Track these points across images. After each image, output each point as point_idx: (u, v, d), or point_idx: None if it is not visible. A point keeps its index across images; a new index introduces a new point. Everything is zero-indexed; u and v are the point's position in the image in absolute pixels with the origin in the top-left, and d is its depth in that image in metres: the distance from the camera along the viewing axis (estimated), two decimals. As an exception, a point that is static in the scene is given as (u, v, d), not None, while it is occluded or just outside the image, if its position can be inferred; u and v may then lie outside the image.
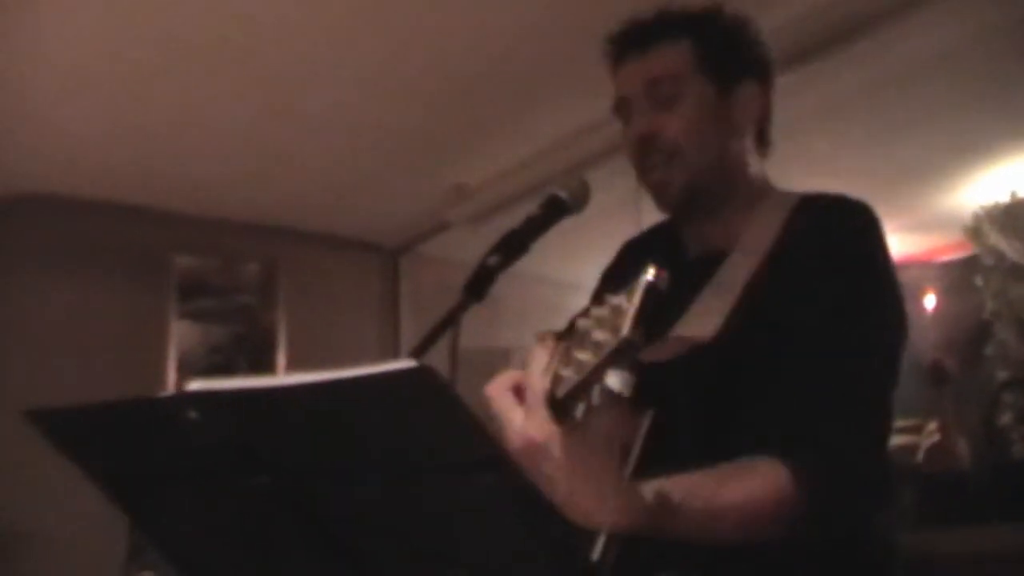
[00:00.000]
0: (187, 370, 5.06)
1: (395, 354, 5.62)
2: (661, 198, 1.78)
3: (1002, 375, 5.04)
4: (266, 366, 5.33)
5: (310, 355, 5.26)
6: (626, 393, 1.15)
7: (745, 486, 1.39)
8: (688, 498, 1.31)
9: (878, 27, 3.51)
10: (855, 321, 1.56)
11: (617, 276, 1.95)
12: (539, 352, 1.23)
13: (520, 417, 1.20)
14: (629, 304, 1.14)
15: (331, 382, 0.90)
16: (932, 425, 4.51)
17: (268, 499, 1.06)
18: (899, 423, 4.38)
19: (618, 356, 1.13)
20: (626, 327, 1.12)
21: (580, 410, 1.17)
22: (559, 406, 1.19)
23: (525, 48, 3.83)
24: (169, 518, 1.24)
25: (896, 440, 4.31)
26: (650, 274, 1.15)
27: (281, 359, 5.40)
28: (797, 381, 1.51)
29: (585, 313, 1.20)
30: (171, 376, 5.03)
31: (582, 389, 1.17)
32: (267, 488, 1.04)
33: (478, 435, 0.93)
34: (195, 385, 0.98)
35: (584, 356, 1.16)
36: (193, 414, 1.00)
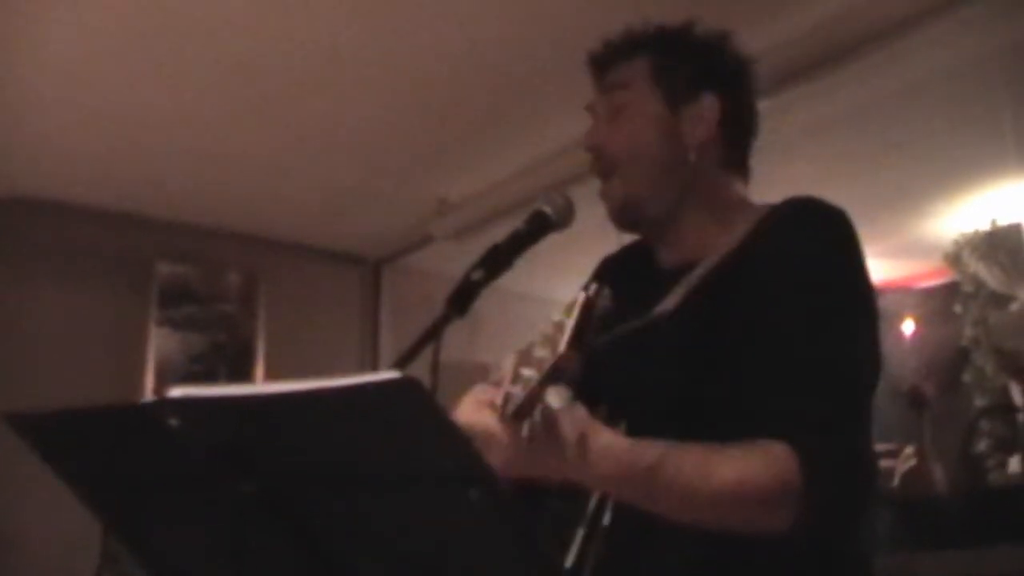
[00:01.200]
0: (165, 378, 5.03)
1: (374, 366, 5.61)
2: (609, 210, 1.79)
3: (979, 402, 5.06)
4: (245, 375, 5.31)
5: (289, 365, 5.24)
6: (564, 407, 1.18)
7: (742, 458, 1.37)
8: (673, 452, 1.34)
9: (861, 54, 3.52)
10: (832, 313, 1.53)
11: None
12: (504, 367, 1.29)
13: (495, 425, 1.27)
14: (568, 321, 1.15)
15: (315, 391, 0.90)
16: (909, 450, 4.52)
17: (249, 508, 1.05)
18: (876, 447, 4.39)
19: (555, 373, 1.16)
20: (562, 344, 1.14)
21: (525, 428, 1.20)
22: (509, 422, 1.24)
23: (510, 64, 3.84)
24: (147, 526, 1.23)
25: (873, 464, 4.32)
26: (590, 289, 1.17)
27: (260, 369, 5.38)
28: (781, 372, 1.48)
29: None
30: (149, 383, 5.00)
31: (527, 407, 1.19)
32: (248, 497, 1.04)
33: (461, 448, 0.93)
34: (176, 392, 0.98)
35: (529, 373, 1.20)
36: (174, 421, 0.99)
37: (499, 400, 1.24)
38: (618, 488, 1.35)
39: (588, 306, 1.17)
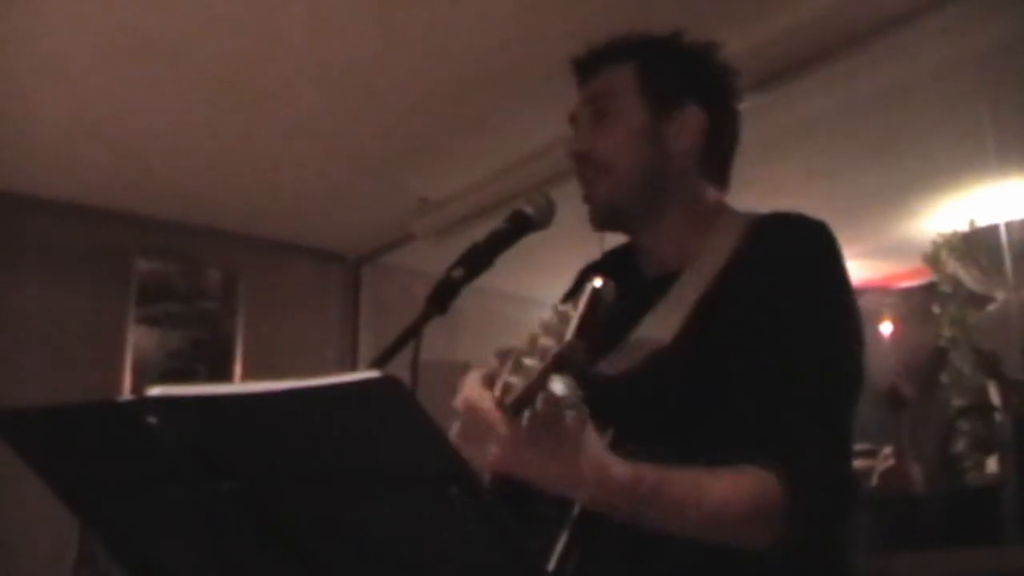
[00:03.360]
0: (144, 375, 5.02)
1: (354, 364, 5.60)
2: (590, 212, 1.79)
3: (957, 402, 5.07)
4: (224, 373, 5.30)
5: (269, 363, 5.24)
6: (570, 397, 1.16)
7: (729, 480, 1.39)
8: (667, 478, 1.33)
9: (842, 56, 3.54)
10: (818, 328, 1.56)
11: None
12: (472, 376, 1.27)
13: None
14: (575, 310, 1.16)
15: (295, 390, 0.90)
16: (887, 450, 4.53)
17: (228, 507, 1.05)
18: (855, 447, 4.41)
19: (561, 361, 1.15)
20: (570, 332, 1.14)
21: (525, 418, 1.19)
22: (507, 413, 1.20)
23: (492, 64, 3.84)
24: (125, 523, 1.23)
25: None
26: (596, 282, 1.17)
27: (239, 366, 5.37)
28: (767, 388, 1.50)
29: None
30: (127, 380, 4.99)
31: (528, 395, 1.18)
32: (227, 496, 1.04)
33: (441, 447, 0.93)
34: (156, 390, 0.97)
35: (531, 362, 1.18)
36: (152, 419, 0.99)
37: (497, 391, 1.22)
38: (606, 503, 1.34)
39: (595, 298, 1.17)
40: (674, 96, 1.77)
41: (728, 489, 1.39)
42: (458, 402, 1.29)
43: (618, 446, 1.37)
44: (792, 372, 1.50)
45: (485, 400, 1.22)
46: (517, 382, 1.19)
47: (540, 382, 1.16)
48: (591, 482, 1.27)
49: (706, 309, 1.59)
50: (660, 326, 1.61)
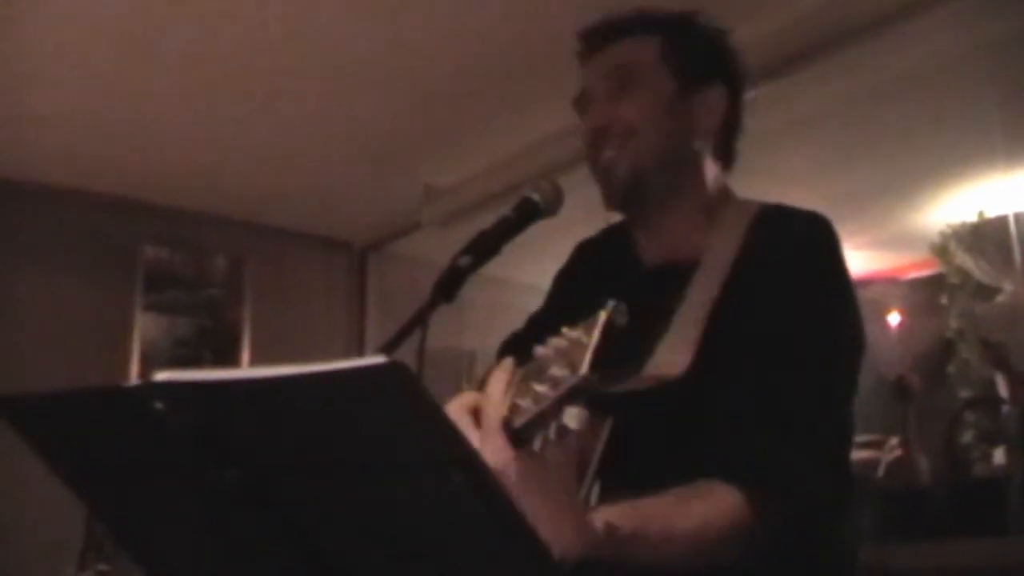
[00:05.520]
0: (151, 362, 5.02)
1: (360, 352, 5.60)
2: (608, 184, 1.75)
3: (964, 394, 5.07)
4: (230, 360, 5.30)
5: (274, 351, 5.25)
6: (581, 429, 1.15)
7: (700, 512, 1.38)
8: (642, 526, 1.31)
9: (849, 45, 3.53)
10: (812, 340, 1.55)
11: (570, 278, 1.95)
12: (498, 377, 1.23)
13: (476, 440, 1.20)
14: (588, 340, 1.14)
15: (301, 376, 0.89)
16: (893, 441, 4.53)
17: (235, 493, 1.05)
18: (861, 438, 4.41)
19: (575, 393, 1.14)
20: (584, 365, 1.13)
21: (537, 443, 1.18)
22: (515, 435, 1.19)
23: (499, 52, 3.84)
24: (131, 510, 1.23)
25: (857, 455, 4.34)
26: (609, 309, 1.15)
27: (245, 354, 5.37)
28: (753, 403, 1.50)
29: (537, 333, 1.20)
30: (134, 367, 4.99)
31: (539, 423, 1.17)
32: (234, 481, 1.03)
33: (448, 434, 0.93)
34: (162, 375, 0.97)
35: (542, 389, 1.16)
36: (159, 404, 0.98)
37: (504, 410, 1.21)
38: (583, 551, 1.33)
39: (608, 326, 1.15)
40: (700, 73, 1.75)
41: (703, 516, 1.39)
42: (467, 398, 1.29)
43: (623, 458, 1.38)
44: (787, 390, 1.51)
45: (494, 413, 1.21)
46: (526, 405, 1.18)
47: (553, 411, 1.16)
48: (570, 530, 1.23)
49: (714, 335, 1.55)
50: (673, 354, 1.56)
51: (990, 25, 3.53)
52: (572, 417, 1.15)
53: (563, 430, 1.16)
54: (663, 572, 1.39)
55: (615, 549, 1.27)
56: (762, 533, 1.40)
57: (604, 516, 1.27)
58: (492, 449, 1.18)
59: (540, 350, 1.20)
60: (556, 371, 1.15)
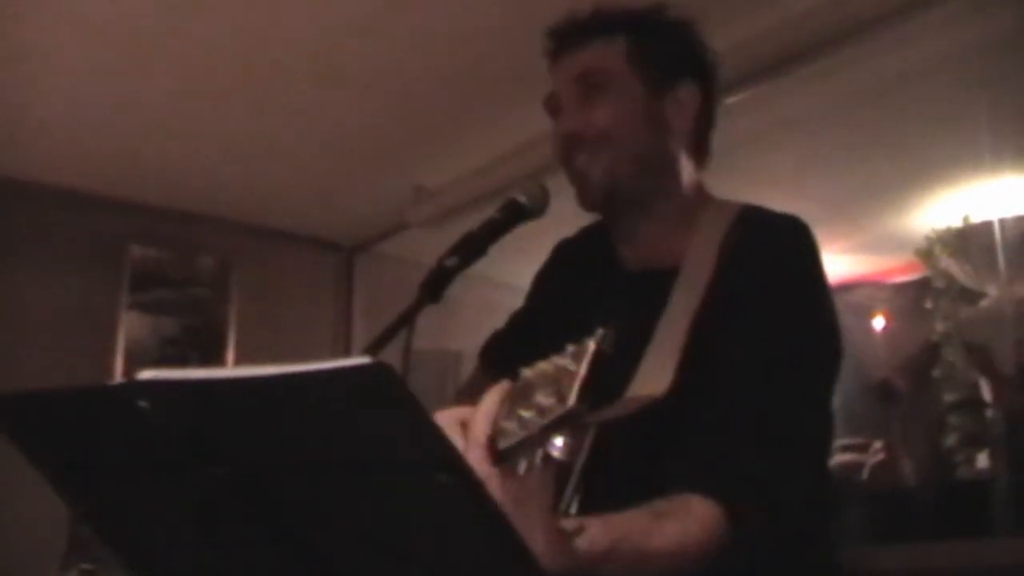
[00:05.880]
0: (136, 361, 5.00)
1: (347, 353, 5.60)
2: (582, 190, 1.75)
3: (949, 397, 5.08)
4: (216, 360, 5.29)
5: (261, 351, 5.23)
6: (566, 459, 1.16)
7: (677, 528, 1.37)
8: (620, 543, 1.30)
9: (835, 49, 3.53)
10: (789, 350, 1.55)
11: (549, 279, 1.95)
12: (492, 397, 1.23)
13: (460, 448, 1.19)
14: (576, 369, 1.14)
15: (287, 375, 0.89)
16: (878, 444, 4.55)
17: (220, 492, 1.05)
18: (845, 441, 4.43)
19: (562, 423, 1.14)
20: (572, 397, 1.12)
21: (521, 467, 1.18)
22: (499, 457, 1.19)
23: (488, 52, 3.83)
24: (116, 509, 1.22)
25: (842, 458, 4.36)
26: (598, 338, 1.14)
27: (231, 354, 5.36)
28: (730, 414, 1.50)
29: (518, 334, 1.20)
30: (119, 367, 4.98)
31: (523, 449, 1.17)
32: (219, 481, 1.03)
33: (432, 435, 0.93)
34: (147, 374, 0.97)
35: (528, 415, 1.16)
36: (144, 403, 0.98)
37: (487, 430, 1.20)
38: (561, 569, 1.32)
39: (598, 355, 1.15)
40: (669, 72, 1.75)
41: (680, 534, 1.37)
42: (458, 411, 1.28)
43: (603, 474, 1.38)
44: (763, 401, 1.50)
45: (482, 427, 1.21)
46: (511, 428, 1.18)
47: (540, 439, 1.15)
48: (544, 548, 1.22)
49: (694, 352, 1.52)
50: (655, 375, 1.54)
51: (977, 29, 3.54)
52: (558, 448, 1.15)
53: (548, 459, 1.16)
54: None
55: (590, 567, 1.26)
56: (738, 545, 1.39)
57: (580, 534, 1.26)
58: (474, 460, 1.18)
59: (527, 373, 1.20)
60: (542, 399, 1.15)
